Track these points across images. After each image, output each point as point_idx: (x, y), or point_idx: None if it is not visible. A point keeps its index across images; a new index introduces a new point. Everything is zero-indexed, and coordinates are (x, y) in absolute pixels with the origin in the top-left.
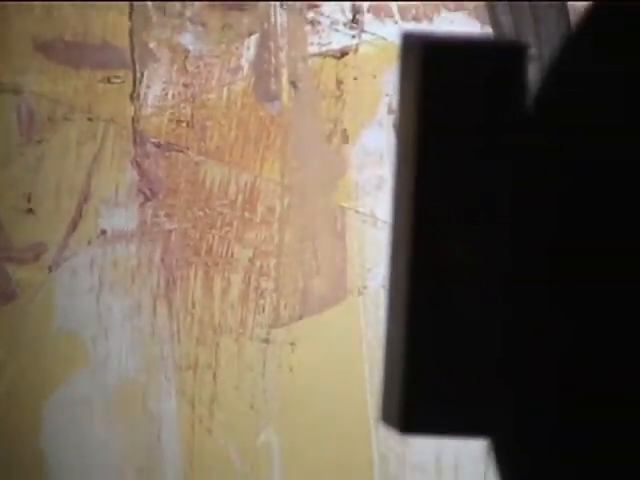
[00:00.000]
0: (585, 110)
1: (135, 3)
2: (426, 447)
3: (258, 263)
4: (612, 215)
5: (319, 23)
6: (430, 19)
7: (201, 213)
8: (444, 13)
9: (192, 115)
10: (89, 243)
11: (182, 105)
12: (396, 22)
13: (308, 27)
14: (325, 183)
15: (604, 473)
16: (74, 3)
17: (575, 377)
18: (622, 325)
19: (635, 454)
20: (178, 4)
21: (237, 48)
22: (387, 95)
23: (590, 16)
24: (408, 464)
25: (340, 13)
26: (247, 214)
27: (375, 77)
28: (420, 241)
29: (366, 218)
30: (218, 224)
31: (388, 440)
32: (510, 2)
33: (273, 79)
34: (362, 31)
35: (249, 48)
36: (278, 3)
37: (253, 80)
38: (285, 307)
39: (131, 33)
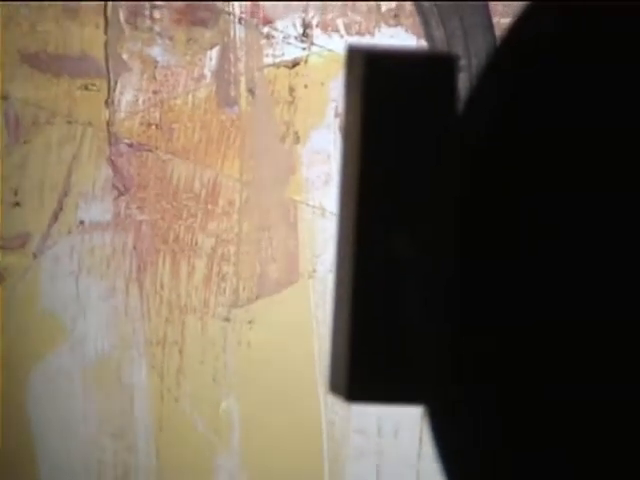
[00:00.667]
0: (511, 114)
1: (109, 19)
2: (368, 413)
3: (219, 250)
4: (556, 213)
5: (273, 37)
6: (372, 34)
7: (169, 206)
8: (384, 28)
9: (160, 118)
10: (69, 232)
11: (151, 110)
12: (342, 36)
13: (263, 41)
14: (279, 179)
15: (534, 444)
16: (56, 19)
17: (510, 352)
18: (564, 310)
19: (568, 422)
20: (148, 20)
21: (200, 59)
22: (334, 101)
23: (513, 30)
24: (352, 428)
25: (292, 28)
26: (210, 207)
27: (323, 85)
28: (364, 233)
29: (315, 210)
30: (184, 215)
31: (334, 407)
32: (442, 19)
33: (232, 86)
34: (312, 44)
35: (211, 59)
36: (237, 20)
37: (215, 87)
38: (244, 289)
39: (106, 46)
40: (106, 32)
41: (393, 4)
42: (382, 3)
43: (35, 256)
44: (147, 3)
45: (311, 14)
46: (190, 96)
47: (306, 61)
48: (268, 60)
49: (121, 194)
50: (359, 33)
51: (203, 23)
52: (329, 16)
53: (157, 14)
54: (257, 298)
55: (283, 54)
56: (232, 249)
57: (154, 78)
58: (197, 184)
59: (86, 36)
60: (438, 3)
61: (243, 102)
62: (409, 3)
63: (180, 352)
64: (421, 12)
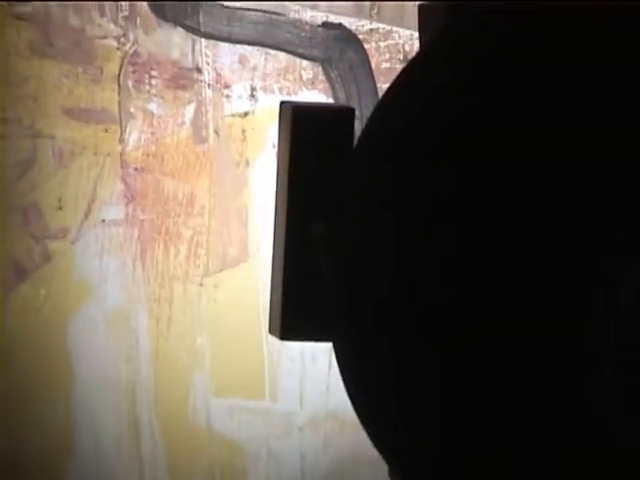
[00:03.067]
0: (393, 151)
1: (122, 85)
2: (295, 346)
3: (195, 239)
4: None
5: (231, 96)
6: (297, 94)
7: (161, 209)
8: (305, 91)
9: (156, 151)
10: (95, 227)
11: (150, 145)
12: (277, 95)
13: (224, 99)
14: (236, 191)
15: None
16: (86, 86)
17: (412, 299)
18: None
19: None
20: (147, 86)
21: (182, 112)
22: (271, 138)
23: (389, 95)
24: (283, 355)
25: (243, 90)
26: (189, 209)
27: (265, 128)
28: (291, 222)
29: (260, 212)
30: (171, 215)
31: (272, 342)
32: (344, 85)
33: (204, 130)
34: (256, 101)
35: (189, 111)
36: (207, 85)
37: (192, 130)
38: (212, 264)
39: (119, 103)
40: (119, 94)
41: (311, 74)
42: (304, 74)
43: (72, 243)
44: (147, 75)
45: (256, 81)
46: (175, 136)
47: (253, 112)
48: (227, 112)
49: (129, 201)
50: (288, 94)
51: (184, 87)
52: (268, 82)
53: (154, 82)
54: (221, 270)
55: (238, 108)
56: (204, 238)
57: (151, 124)
58: (180, 195)
59: (106, 97)
60: (343, 74)
61: (211, 140)
62: (321, 74)
63: (169, 306)
64: (330, 80)
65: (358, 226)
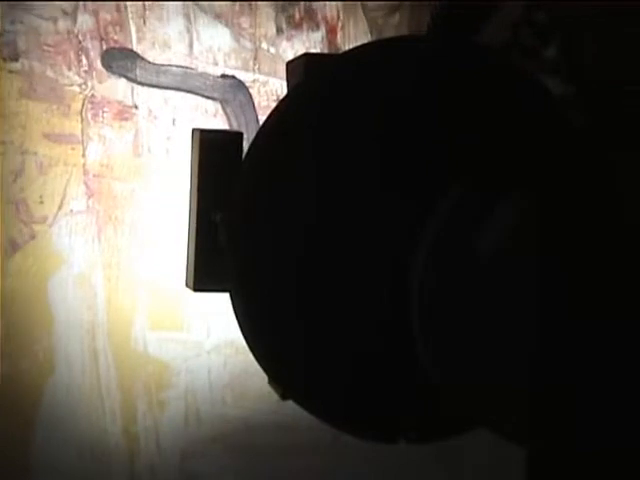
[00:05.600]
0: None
1: (83, 118)
2: (203, 295)
3: (135, 223)
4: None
5: (159, 125)
6: (204, 124)
7: (111, 202)
8: (209, 121)
9: (107, 163)
10: (65, 215)
11: (103, 159)
12: (189, 125)
13: (154, 127)
14: (162, 190)
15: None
16: (59, 118)
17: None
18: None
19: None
20: (101, 118)
21: (125, 135)
22: (187, 154)
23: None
24: (196, 302)
25: (167, 121)
26: (130, 202)
27: (182, 147)
28: (199, 213)
29: (178, 204)
30: (118, 207)
31: (186, 292)
32: (236, 116)
33: (140, 148)
34: (176, 128)
35: (130, 135)
36: (142, 118)
37: (132, 149)
38: (147, 241)
39: (82, 129)
40: (82, 123)
41: (214, 110)
42: (208, 110)
43: (50, 226)
44: (101, 110)
45: (176, 114)
46: (121, 153)
47: (174, 136)
48: (156, 136)
49: (89, 197)
50: (198, 123)
51: (126, 119)
52: (184, 115)
53: (105, 115)
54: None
55: (163, 133)
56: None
57: (104, 144)
58: (125, 192)
59: (72, 125)
60: (235, 110)
61: (145, 154)
62: (220, 109)
63: (118, 269)
64: (226, 114)
65: (248, 231)
